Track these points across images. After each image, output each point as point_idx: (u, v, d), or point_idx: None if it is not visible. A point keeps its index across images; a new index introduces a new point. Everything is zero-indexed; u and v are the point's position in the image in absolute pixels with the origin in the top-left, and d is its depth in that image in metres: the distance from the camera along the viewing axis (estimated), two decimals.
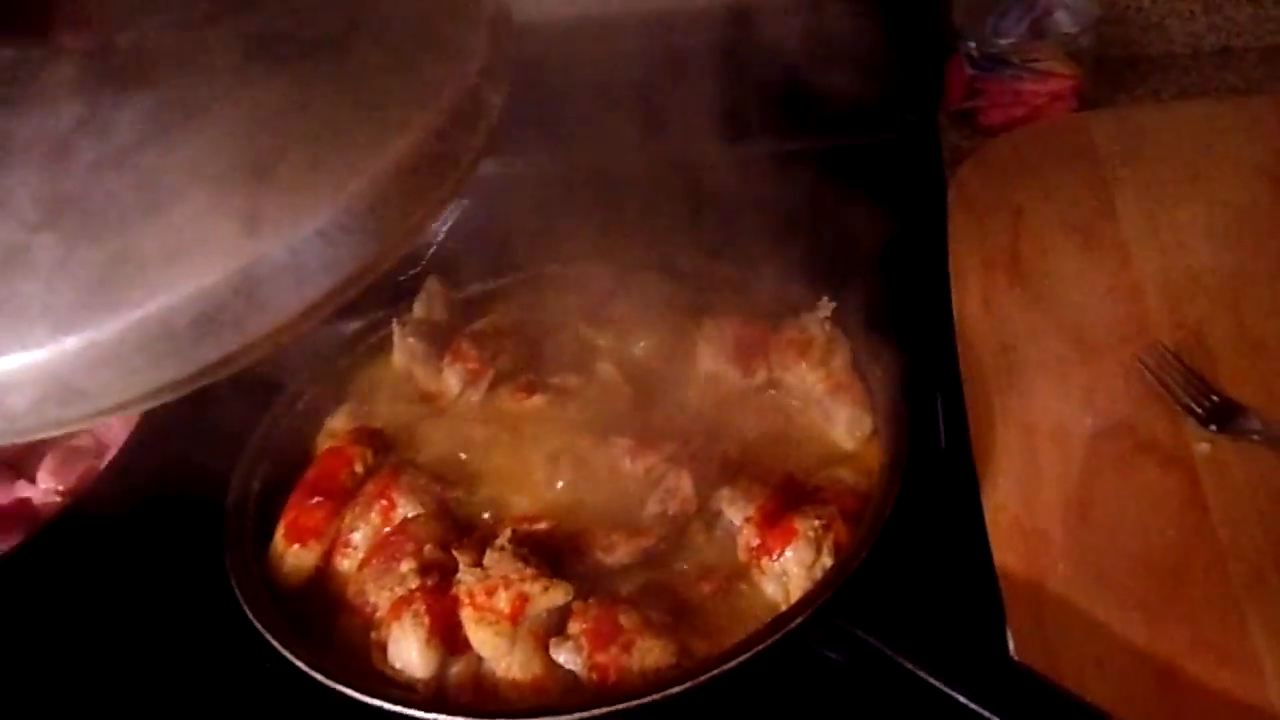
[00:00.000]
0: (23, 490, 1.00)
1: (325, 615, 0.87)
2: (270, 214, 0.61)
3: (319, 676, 0.78)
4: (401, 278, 1.24)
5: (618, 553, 0.83)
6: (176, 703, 0.91)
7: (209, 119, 0.65)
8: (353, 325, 1.11)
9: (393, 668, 0.80)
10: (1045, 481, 0.88)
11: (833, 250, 1.03)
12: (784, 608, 0.81)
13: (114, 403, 0.62)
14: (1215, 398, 0.90)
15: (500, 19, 0.74)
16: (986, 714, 0.71)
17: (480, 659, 0.80)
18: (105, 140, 0.64)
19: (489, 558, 0.80)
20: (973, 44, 1.22)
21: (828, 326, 0.96)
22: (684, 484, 0.86)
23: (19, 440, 0.65)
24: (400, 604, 0.81)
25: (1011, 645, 0.80)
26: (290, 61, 0.67)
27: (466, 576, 0.80)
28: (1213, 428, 0.88)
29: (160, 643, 0.94)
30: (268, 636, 0.81)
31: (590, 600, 0.80)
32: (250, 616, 0.83)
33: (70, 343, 0.58)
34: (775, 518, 0.83)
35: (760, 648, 0.75)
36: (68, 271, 0.60)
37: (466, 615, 0.79)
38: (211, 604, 0.93)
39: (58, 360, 0.59)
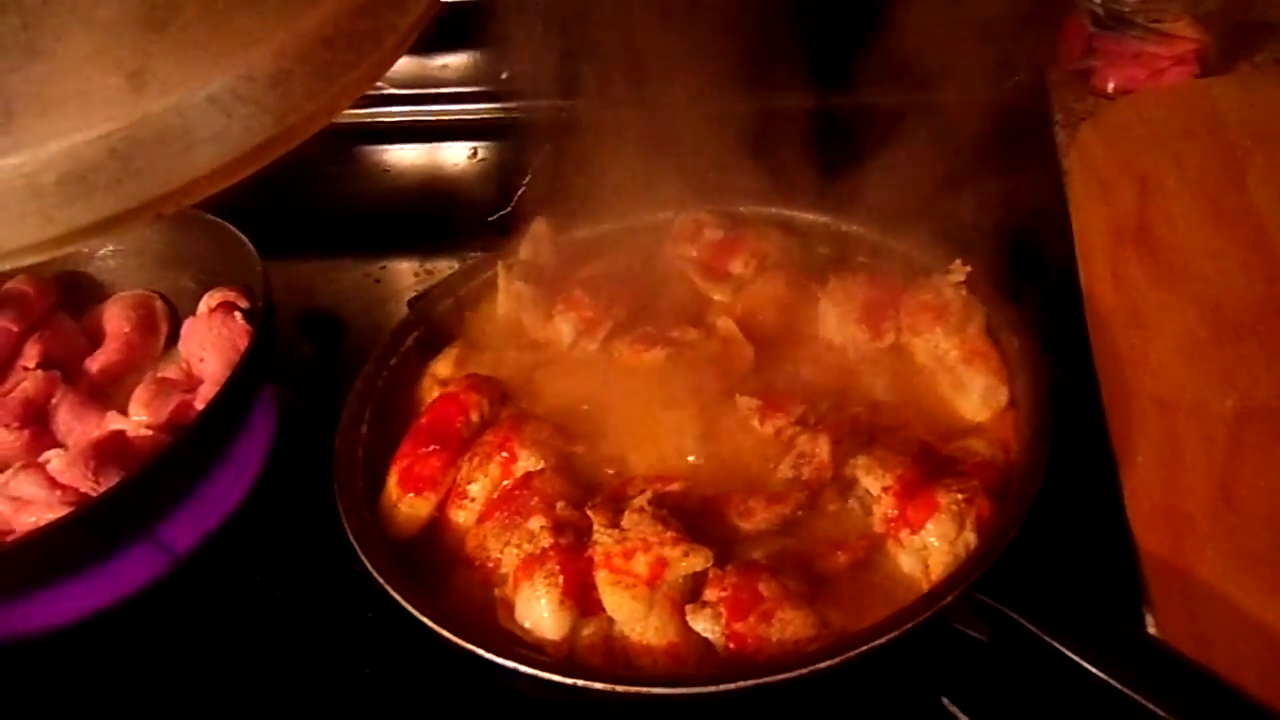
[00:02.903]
0: (114, 422, 0.97)
1: (438, 569, 0.85)
2: (160, 71, 0.56)
3: (445, 633, 0.75)
4: (491, 217, 1.21)
5: (755, 519, 0.80)
6: (280, 653, 0.89)
7: None
8: (451, 264, 1.08)
9: (521, 627, 0.77)
10: (1186, 463, 0.85)
11: (950, 211, 1.00)
12: (923, 582, 0.78)
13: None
14: None
15: None
16: (1137, 697, 0.69)
17: (612, 622, 0.77)
18: None
19: (627, 519, 0.77)
20: (1096, 1, 1.17)
21: (963, 291, 0.92)
22: (821, 449, 0.83)
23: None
24: (531, 562, 0.78)
25: (1152, 626, 0.78)
26: None
27: (604, 537, 0.77)
28: None
29: (268, 593, 0.93)
30: (388, 588, 0.78)
31: (728, 567, 0.77)
32: (370, 567, 0.80)
33: None
34: (915, 489, 0.80)
35: (910, 625, 0.73)
36: None
37: (602, 577, 0.76)
38: (313, 551, 0.92)
39: None
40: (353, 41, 0.61)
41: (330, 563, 0.88)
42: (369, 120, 1.45)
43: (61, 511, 0.86)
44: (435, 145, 1.44)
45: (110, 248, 1.12)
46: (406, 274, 1.25)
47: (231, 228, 1.05)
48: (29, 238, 0.57)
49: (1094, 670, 0.70)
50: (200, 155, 0.57)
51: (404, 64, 1.39)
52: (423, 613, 0.76)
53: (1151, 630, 0.78)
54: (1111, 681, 0.69)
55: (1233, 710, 0.67)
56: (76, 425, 0.99)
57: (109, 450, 0.91)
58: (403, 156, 1.45)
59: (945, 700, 0.79)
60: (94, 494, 0.88)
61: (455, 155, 1.43)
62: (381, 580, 0.79)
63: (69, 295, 1.12)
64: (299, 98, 0.60)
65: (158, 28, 0.57)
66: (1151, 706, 0.68)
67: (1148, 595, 0.80)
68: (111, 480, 0.88)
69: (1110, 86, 1.20)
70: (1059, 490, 0.81)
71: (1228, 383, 0.89)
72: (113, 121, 0.55)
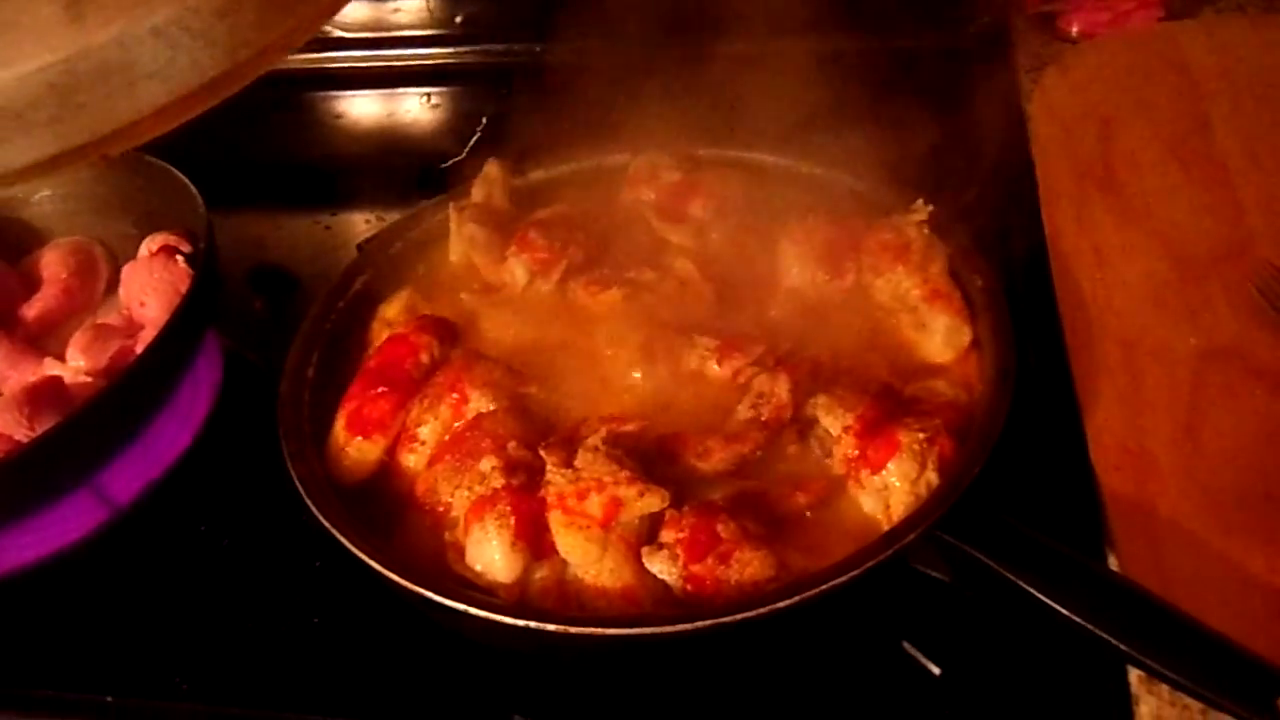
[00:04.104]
0: (51, 368, 0.93)
1: (388, 514, 0.82)
2: (99, 0, 0.53)
3: (394, 576, 0.73)
4: (445, 164, 1.18)
5: (713, 459, 0.78)
6: (226, 603, 0.86)
7: None
8: (403, 210, 1.05)
9: (472, 570, 0.75)
10: (1150, 403, 0.84)
11: (910, 153, 0.98)
12: (884, 522, 0.77)
13: None
14: None
15: None
16: (1101, 633, 0.67)
17: (565, 564, 0.75)
18: None
19: (581, 458, 0.75)
20: None
21: (925, 230, 0.90)
22: (780, 388, 0.81)
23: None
24: (482, 504, 0.75)
25: (1114, 564, 0.77)
26: None
27: (556, 478, 0.75)
28: None
29: (214, 540, 0.91)
30: (336, 534, 0.76)
31: (685, 508, 0.75)
32: (316, 513, 0.77)
33: None
34: (876, 429, 0.78)
35: (870, 564, 0.71)
36: None
37: (555, 519, 0.74)
38: (260, 500, 0.89)
39: None
40: None
41: (278, 511, 0.86)
42: (320, 66, 1.40)
43: None
44: (388, 91, 1.40)
45: (47, 192, 1.08)
46: (359, 223, 1.22)
47: (173, 170, 1.02)
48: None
49: (1058, 607, 0.69)
50: (145, 92, 0.54)
51: (356, 7, 1.36)
52: (371, 558, 0.74)
53: (1113, 568, 0.77)
54: (1075, 618, 0.68)
55: (1196, 645, 0.66)
56: (11, 373, 0.95)
57: (45, 396, 0.88)
58: (355, 103, 1.41)
59: (906, 644, 0.78)
60: (28, 440, 0.85)
61: (409, 102, 1.39)
62: (327, 525, 0.76)
63: (3, 240, 1.09)
64: (249, 32, 0.56)
65: None
66: (1115, 642, 0.67)
67: (1110, 534, 0.78)
68: (47, 426, 0.84)
69: (1074, 30, 1.19)
70: (1022, 430, 0.80)
71: (1191, 323, 0.88)
72: (49, 54, 0.52)
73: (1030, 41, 1.21)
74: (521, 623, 0.70)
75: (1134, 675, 0.73)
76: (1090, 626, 0.68)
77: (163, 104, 0.55)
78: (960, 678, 0.77)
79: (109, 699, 0.82)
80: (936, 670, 0.77)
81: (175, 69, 0.54)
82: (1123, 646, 0.67)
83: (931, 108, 1.03)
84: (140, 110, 0.54)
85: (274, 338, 0.96)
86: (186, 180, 1.01)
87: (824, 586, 0.70)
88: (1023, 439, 0.80)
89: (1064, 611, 0.69)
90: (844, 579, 0.70)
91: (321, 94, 1.41)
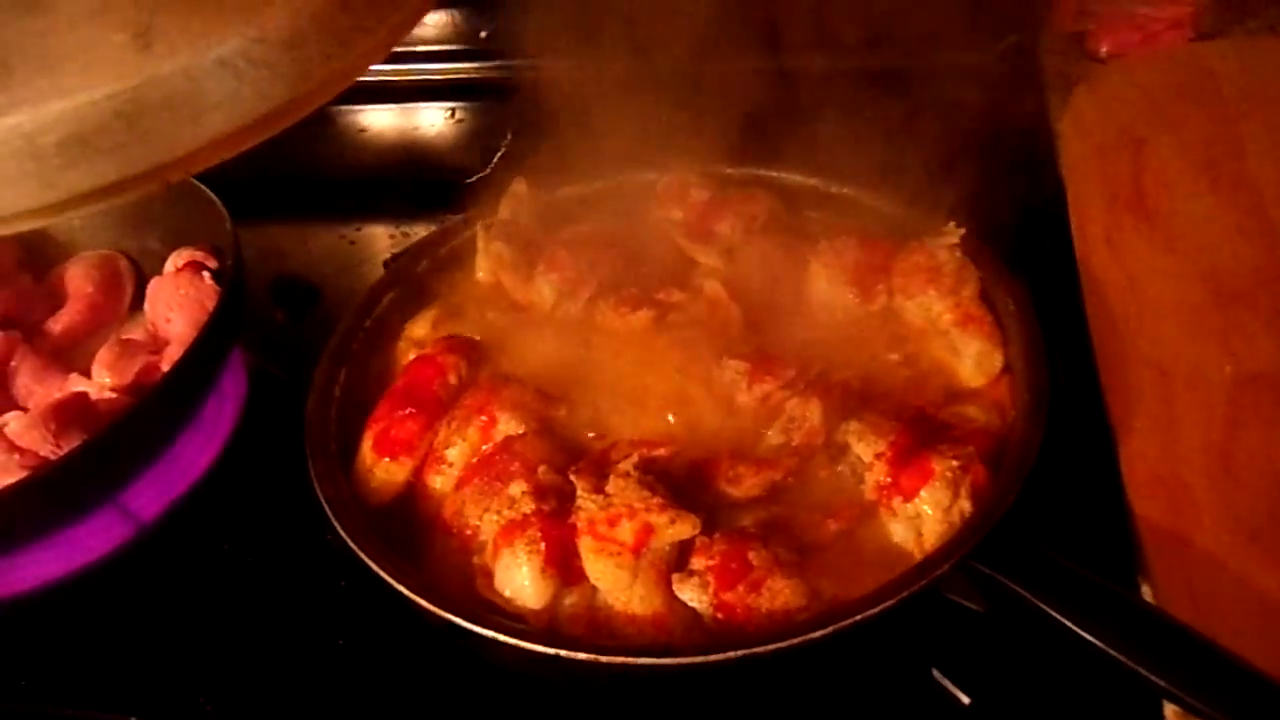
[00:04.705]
0: (77, 384, 0.93)
1: (414, 536, 0.82)
2: (167, 30, 0.53)
3: (422, 601, 0.72)
4: (469, 180, 1.18)
5: (744, 485, 0.78)
6: (251, 624, 0.86)
7: None
8: (429, 228, 1.04)
9: (501, 596, 0.74)
10: (1184, 430, 0.83)
11: (943, 176, 0.97)
12: (916, 551, 0.76)
13: None
14: None
15: None
16: (1135, 666, 0.66)
17: (595, 591, 0.74)
18: None
19: (612, 484, 0.74)
20: None
21: (957, 253, 0.90)
22: (812, 414, 0.80)
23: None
24: (512, 529, 0.75)
25: (1148, 594, 0.76)
26: None
27: (587, 504, 0.74)
28: None
29: (238, 558, 0.90)
30: (363, 556, 0.75)
31: (716, 535, 0.74)
32: (344, 535, 0.77)
33: None
34: (908, 456, 0.77)
35: (905, 595, 0.70)
36: None
37: (585, 545, 0.74)
38: (285, 518, 0.89)
39: None
40: (371, 4, 0.58)
41: (303, 530, 0.85)
42: None
43: (20, 475, 0.82)
44: (413, 105, 1.40)
45: None
46: (382, 238, 1.21)
47: (200, 186, 1.01)
48: (27, 202, 0.54)
49: (1092, 639, 0.68)
50: (209, 121, 0.54)
51: None
52: (399, 581, 0.73)
53: (1148, 599, 0.76)
54: (1110, 650, 0.67)
55: (1231, 678, 0.65)
56: (37, 388, 0.95)
57: (71, 412, 0.88)
58: (379, 117, 1.41)
59: (936, 672, 0.77)
60: (54, 457, 0.85)
61: (433, 116, 1.39)
62: (355, 548, 0.76)
63: (30, 254, 1.08)
64: (314, 62, 0.57)
65: None
66: (1150, 675, 0.66)
67: (1145, 564, 0.78)
68: (73, 443, 0.84)
69: (1104, 50, 1.18)
70: (1055, 458, 0.79)
71: (1225, 349, 0.87)
72: (117, 82, 0.52)
73: (1060, 61, 1.20)
74: (551, 650, 0.69)
75: (1169, 709, 0.72)
76: (1124, 659, 0.67)
77: (226, 133, 0.55)
78: (990, 707, 0.76)
79: (132, 719, 0.82)
80: (966, 700, 0.76)
81: (240, 99, 0.54)
82: (1158, 680, 0.66)
83: (962, 128, 1.02)
84: (204, 139, 0.55)
85: (298, 352, 0.95)
86: (212, 195, 1.00)
87: (858, 618, 0.69)
88: (1056, 466, 0.79)
89: (1098, 644, 0.68)
90: (877, 610, 0.70)
91: (345, 107, 1.41)
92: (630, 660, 0.69)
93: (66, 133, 0.52)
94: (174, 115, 0.53)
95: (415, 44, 1.38)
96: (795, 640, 0.69)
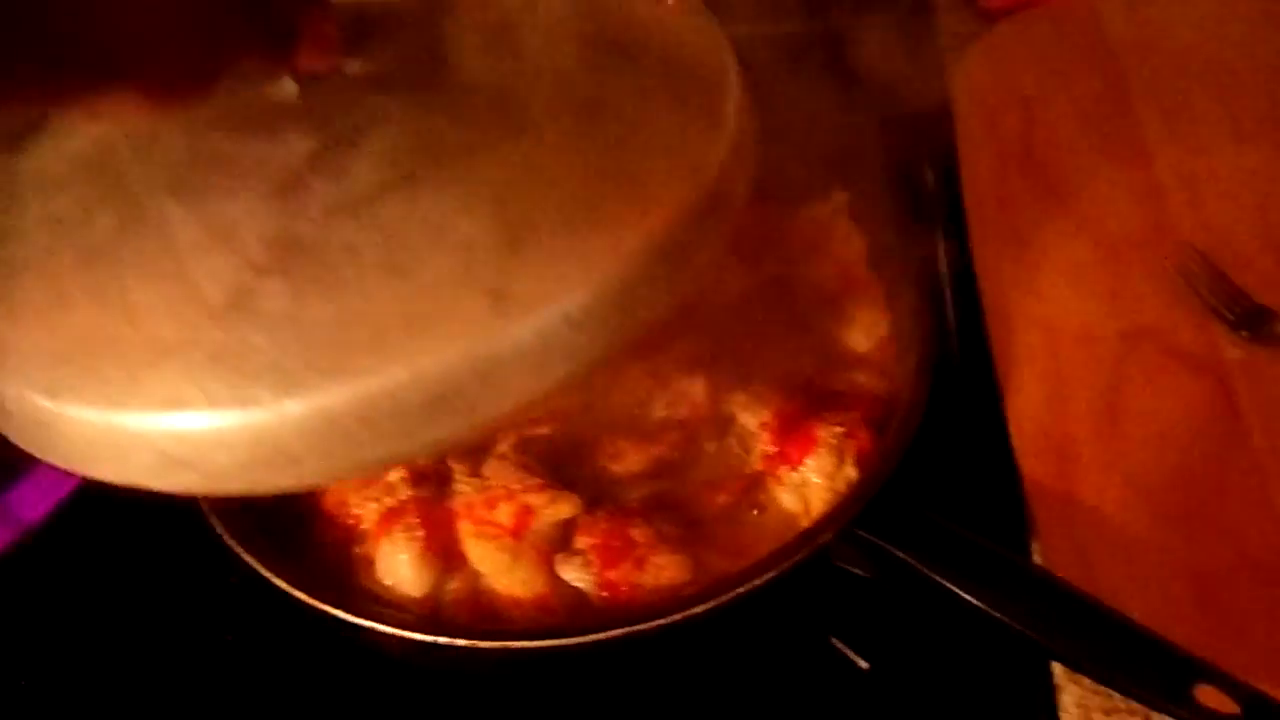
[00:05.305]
0: None
1: (296, 527, 0.80)
2: (520, 292, 0.56)
3: (302, 595, 0.71)
4: None
5: (626, 461, 0.77)
6: (139, 622, 0.84)
7: (453, 174, 0.59)
8: None
9: (382, 585, 0.73)
10: (1072, 388, 0.83)
11: (830, 139, 0.97)
12: (803, 520, 0.75)
13: (324, 473, 0.58)
14: (1246, 303, 0.85)
15: (745, 87, 0.68)
16: (1020, 627, 0.67)
17: (478, 575, 0.73)
18: (340, 183, 0.59)
19: (489, 466, 0.73)
20: None
21: (844, 218, 0.89)
22: (696, 387, 0.79)
23: (215, 494, 0.61)
24: (390, 516, 0.73)
25: (1037, 558, 0.76)
26: (540, 120, 0.61)
27: (464, 487, 0.73)
28: (1244, 333, 0.84)
29: (127, 561, 0.87)
30: (239, 551, 0.74)
31: (599, 513, 0.73)
32: (219, 528, 0.75)
33: (292, 407, 0.54)
34: (793, 424, 0.77)
35: (787, 565, 0.70)
36: (297, 326, 0.55)
37: (464, 529, 0.72)
38: (165, 514, 0.87)
39: (276, 423, 0.54)
40: (685, 250, 0.60)
41: (189, 526, 0.83)
42: None
43: None
44: None
45: None
46: None
47: None
48: (385, 453, 0.56)
49: (975, 602, 0.68)
50: (551, 374, 0.56)
51: None
52: (274, 574, 0.72)
53: (1037, 559, 0.76)
54: (994, 612, 0.67)
55: (1115, 637, 0.65)
56: None
57: None
58: None
59: (835, 640, 0.77)
60: None
61: None
62: (232, 543, 0.74)
63: None
64: (643, 307, 0.59)
65: (514, 247, 0.57)
66: (1034, 636, 0.66)
67: (1034, 523, 0.78)
68: None
69: (994, 9, 1.17)
70: (948, 422, 0.79)
71: (1112, 305, 0.88)
72: (477, 342, 0.55)
73: (951, 21, 1.19)
74: (428, 638, 0.68)
75: (1057, 664, 0.72)
76: (1008, 620, 0.67)
77: (567, 383, 0.58)
78: (889, 671, 0.76)
79: None
80: (865, 665, 0.76)
81: (580, 349, 0.57)
82: (1041, 640, 0.67)
83: (852, 91, 1.01)
84: (544, 390, 0.57)
85: None
86: None
87: (740, 589, 0.69)
88: (948, 431, 0.79)
89: (982, 606, 0.68)
90: (759, 581, 0.69)
91: None
92: (509, 644, 0.68)
93: (430, 391, 0.54)
94: (523, 371, 0.56)
95: None
96: (677, 616, 0.68)
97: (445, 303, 0.55)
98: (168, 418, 0.56)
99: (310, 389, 0.53)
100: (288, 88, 0.61)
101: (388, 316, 0.55)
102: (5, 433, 0.64)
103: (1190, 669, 0.63)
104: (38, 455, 0.62)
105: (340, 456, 0.55)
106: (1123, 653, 0.65)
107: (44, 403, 0.59)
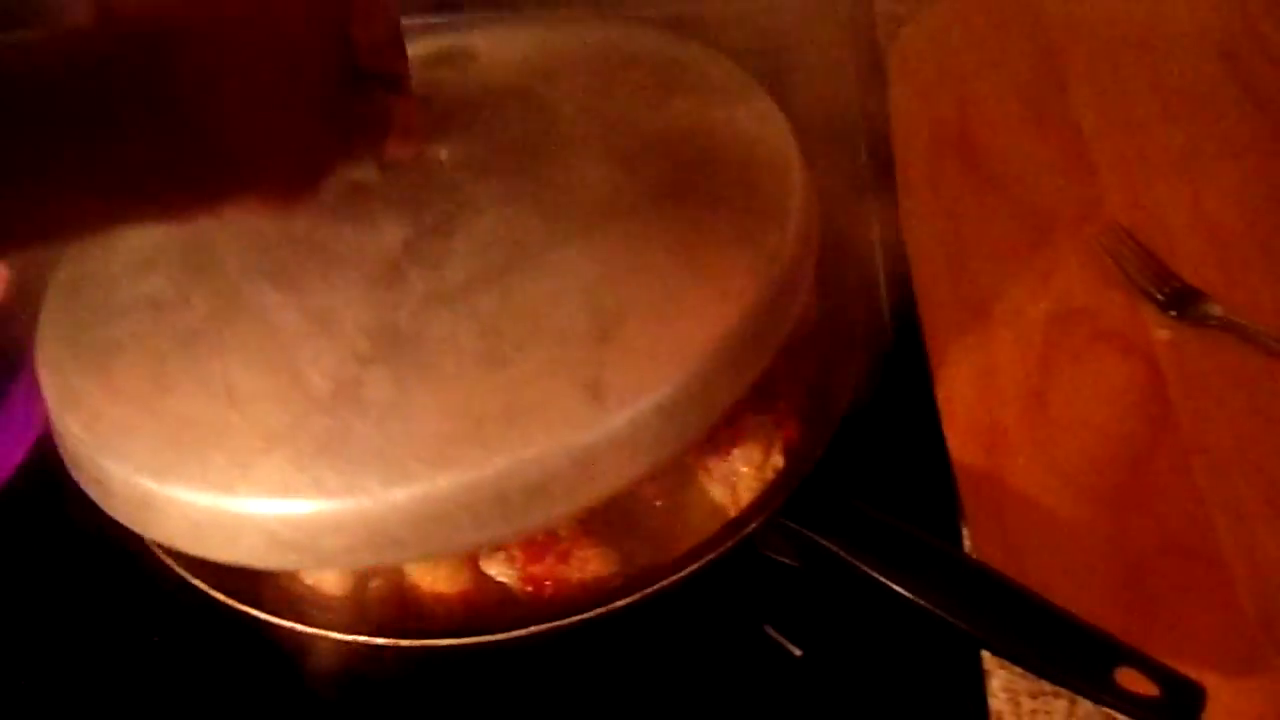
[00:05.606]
0: None
1: None
2: (614, 383, 0.59)
3: (221, 596, 0.70)
4: None
5: None
6: (58, 625, 0.82)
7: (544, 266, 0.63)
8: None
9: (304, 584, 0.72)
10: (1001, 370, 0.83)
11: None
12: (731, 510, 0.75)
13: (424, 553, 0.62)
14: (1175, 283, 0.85)
15: (809, 179, 0.74)
16: (946, 616, 0.67)
17: (402, 572, 0.72)
18: (436, 273, 0.63)
19: None
20: None
21: None
22: None
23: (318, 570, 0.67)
24: None
25: (968, 543, 0.76)
26: (623, 213, 0.66)
27: None
28: (1173, 314, 0.84)
29: (54, 560, 0.85)
30: (159, 554, 0.72)
31: None
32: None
33: (399, 495, 0.57)
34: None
35: (711, 556, 0.69)
36: (402, 416, 0.58)
37: None
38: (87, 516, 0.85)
39: (382, 511, 0.57)
40: (760, 337, 0.66)
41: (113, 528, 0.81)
42: None
43: None
44: None
45: None
46: None
47: None
48: (484, 536, 0.61)
49: (903, 591, 0.68)
50: (644, 460, 0.61)
51: None
52: (194, 575, 0.71)
53: (967, 545, 0.76)
54: (921, 602, 0.68)
55: (1038, 623, 0.65)
56: None
57: None
58: None
59: (768, 628, 0.77)
60: None
61: None
62: (153, 545, 0.73)
63: None
64: (723, 393, 0.64)
65: (605, 338, 0.60)
66: (960, 624, 0.66)
67: (964, 509, 0.78)
68: None
69: None
70: (880, 409, 0.79)
71: (1043, 286, 0.88)
72: (574, 433, 0.58)
73: (889, 2, 1.18)
74: (350, 638, 0.67)
75: (985, 653, 0.72)
76: (932, 608, 0.67)
77: (652, 471, 0.63)
78: (821, 658, 0.76)
79: None
80: (798, 652, 0.76)
81: (667, 438, 0.61)
82: (965, 627, 0.67)
83: (790, 73, 1.00)
84: (632, 478, 0.62)
85: None
86: None
87: (663, 582, 0.68)
88: (880, 417, 0.79)
89: (906, 594, 0.68)
90: (684, 573, 0.69)
91: None
92: (431, 642, 0.68)
93: (529, 480, 0.58)
94: (617, 459, 0.59)
95: None
96: (600, 610, 0.67)
97: (543, 394, 0.59)
98: (278, 504, 0.59)
99: (416, 478, 0.57)
100: (373, 172, 0.64)
101: (488, 407, 0.58)
102: (106, 509, 0.68)
103: (1111, 652, 0.63)
104: (139, 532, 0.67)
105: (440, 540, 0.59)
106: (1044, 638, 0.65)
107: (151, 485, 0.63)
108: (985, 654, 0.72)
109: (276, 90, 0.57)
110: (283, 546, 0.60)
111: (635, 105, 0.76)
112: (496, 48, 0.81)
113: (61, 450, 0.71)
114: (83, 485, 0.69)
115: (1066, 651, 0.65)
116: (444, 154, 0.69)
